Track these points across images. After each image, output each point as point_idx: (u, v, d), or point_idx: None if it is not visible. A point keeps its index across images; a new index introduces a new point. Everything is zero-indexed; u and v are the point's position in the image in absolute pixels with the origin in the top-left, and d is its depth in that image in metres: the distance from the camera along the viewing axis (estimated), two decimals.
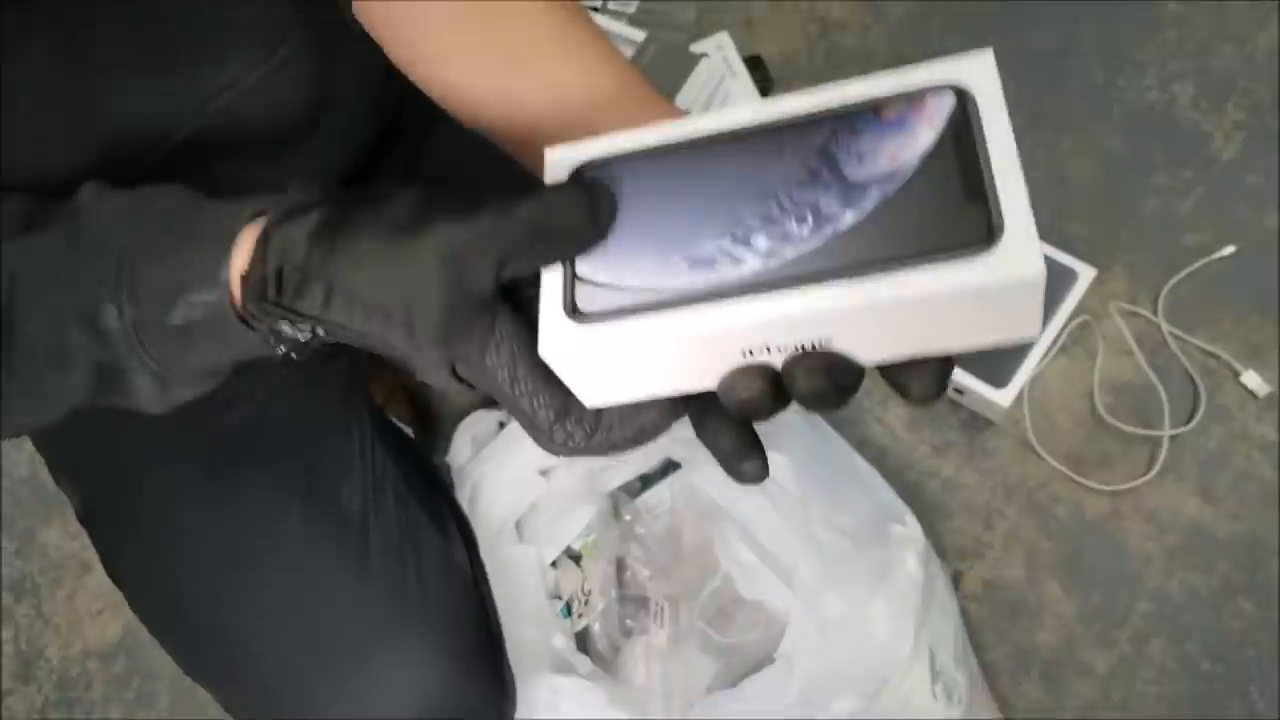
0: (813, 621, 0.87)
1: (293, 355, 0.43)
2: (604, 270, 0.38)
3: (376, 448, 0.79)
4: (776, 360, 0.37)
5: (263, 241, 0.41)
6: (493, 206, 0.37)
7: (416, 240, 0.37)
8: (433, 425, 1.18)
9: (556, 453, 0.41)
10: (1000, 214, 0.34)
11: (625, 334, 0.37)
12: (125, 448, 0.73)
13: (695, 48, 1.35)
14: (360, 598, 0.72)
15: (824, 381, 0.36)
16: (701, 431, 0.40)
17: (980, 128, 0.36)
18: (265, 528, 0.72)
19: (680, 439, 0.99)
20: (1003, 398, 1.12)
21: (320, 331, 0.41)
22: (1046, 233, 1.21)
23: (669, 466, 0.99)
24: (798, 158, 0.37)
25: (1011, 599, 1.11)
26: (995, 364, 1.13)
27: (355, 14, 0.57)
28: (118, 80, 0.55)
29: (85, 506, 0.76)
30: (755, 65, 1.34)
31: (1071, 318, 1.16)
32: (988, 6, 1.37)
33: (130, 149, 0.57)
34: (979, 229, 0.34)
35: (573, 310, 0.37)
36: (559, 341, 0.38)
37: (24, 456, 1.31)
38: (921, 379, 0.37)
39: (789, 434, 1.03)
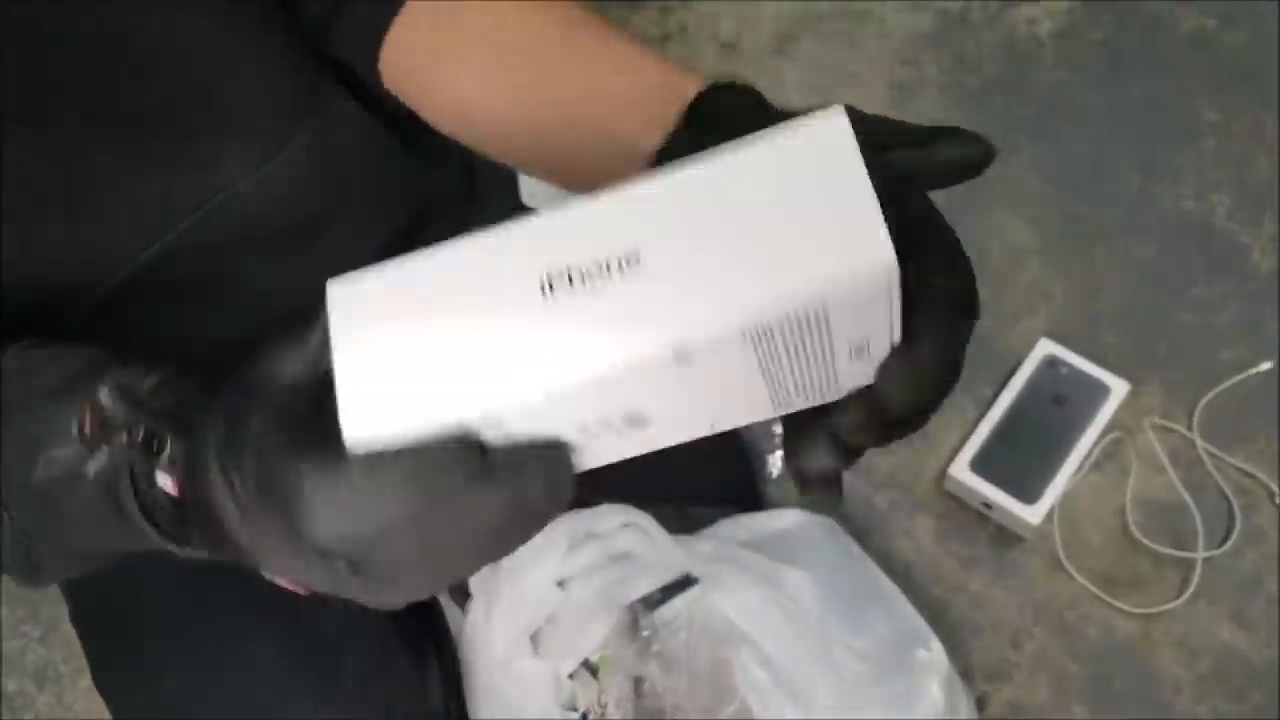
0: None
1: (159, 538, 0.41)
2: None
3: None
4: None
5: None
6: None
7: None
8: None
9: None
10: None
11: None
12: None
13: None
14: None
15: None
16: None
17: None
18: (239, 646, 0.72)
19: (702, 555, 0.98)
20: (1033, 514, 1.10)
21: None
22: (1080, 344, 1.20)
23: (687, 580, 0.98)
24: None
25: None
26: (1026, 479, 1.11)
27: (381, 72, 0.57)
28: (112, 176, 0.55)
29: (76, 608, 0.77)
30: None
31: (1104, 433, 1.15)
32: (1021, 110, 1.37)
33: (126, 246, 0.57)
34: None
35: None
36: None
37: None
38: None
39: (811, 549, 1.01)
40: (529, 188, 0.88)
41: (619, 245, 0.31)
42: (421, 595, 0.37)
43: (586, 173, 0.47)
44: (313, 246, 0.65)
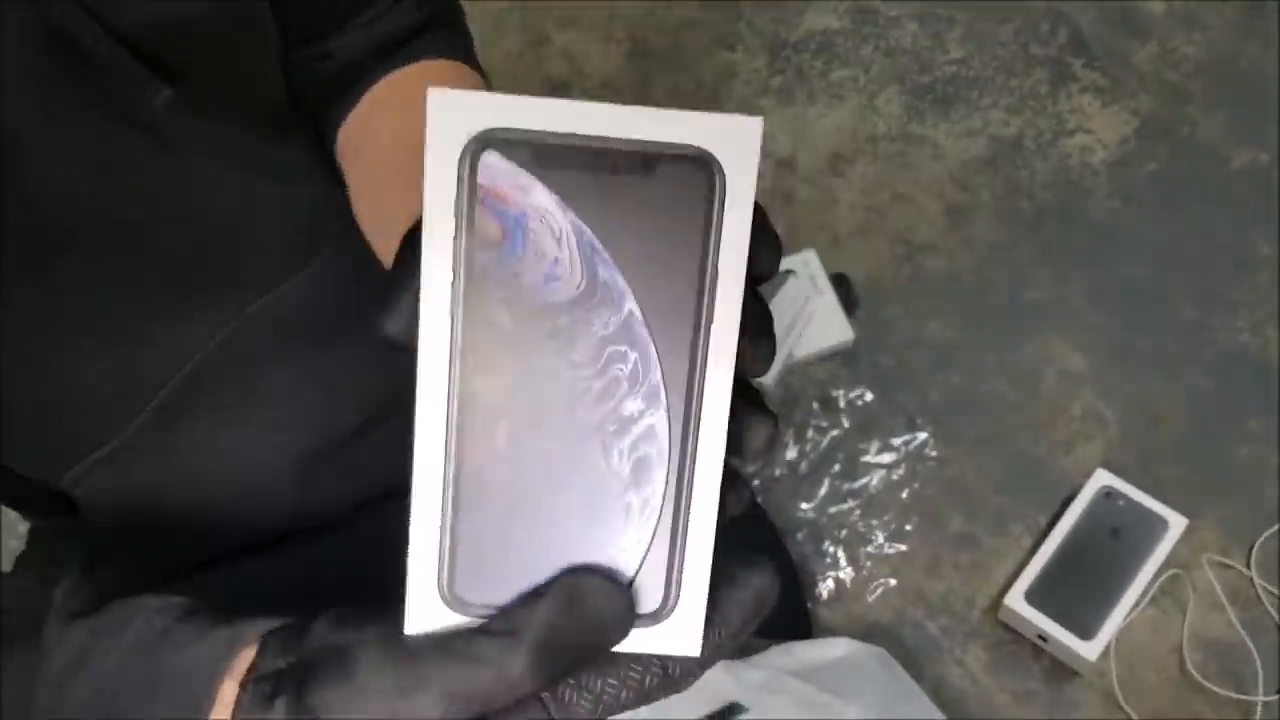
0: None
1: None
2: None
3: None
4: None
5: None
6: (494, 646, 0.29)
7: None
8: None
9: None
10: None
11: None
12: None
13: (782, 264, 1.36)
14: None
15: None
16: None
17: None
18: None
19: (751, 684, 0.97)
20: (1090, 650, 1.08)
21: None
22: (1136, 474, 1.18)
23: (734, 709, 0.96)
24: None
25: None
26: (1082, 613, 1.09)
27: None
28: (149, 303, 0.57)
29: None
30: (841, 283, 1.35)
31: (1162, 568, 1.13)
32: (1079, 238, 1.38)
33: (166, 361, 0.59)
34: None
35: None
36: None
37: None
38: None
39: (863, 680, 1.00)
40: None
41: None
42: None
43: None
44: (343, 351, 0.66)
